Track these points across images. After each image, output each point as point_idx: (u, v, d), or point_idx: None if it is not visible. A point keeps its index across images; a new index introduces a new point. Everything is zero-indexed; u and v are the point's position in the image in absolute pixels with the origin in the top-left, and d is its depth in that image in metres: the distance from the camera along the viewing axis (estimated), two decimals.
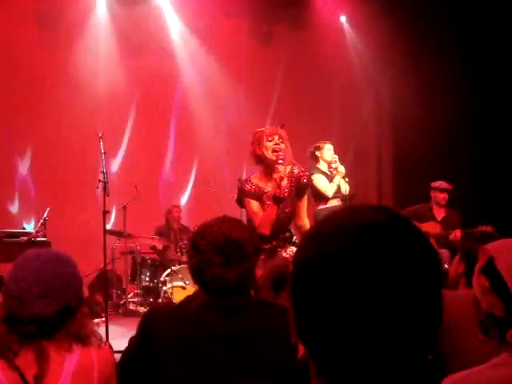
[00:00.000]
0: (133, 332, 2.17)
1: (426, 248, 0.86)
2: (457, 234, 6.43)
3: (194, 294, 2.13)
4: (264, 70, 9.67)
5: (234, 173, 7.91)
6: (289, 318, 0.89)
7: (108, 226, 7.26)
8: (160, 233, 8.19)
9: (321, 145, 6.29)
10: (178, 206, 8.66)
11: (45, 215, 7.02)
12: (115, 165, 9.14)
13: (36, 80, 8.68)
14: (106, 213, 5.38)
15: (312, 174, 5.94)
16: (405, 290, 0.81)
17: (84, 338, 1.88)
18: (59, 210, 7.71)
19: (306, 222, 4.15)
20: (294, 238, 4.13)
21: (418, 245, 0.85)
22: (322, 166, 6.22)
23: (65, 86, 8.73)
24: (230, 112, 9.71)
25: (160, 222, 8.50)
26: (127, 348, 2.14)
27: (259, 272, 2.56)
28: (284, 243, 4.03)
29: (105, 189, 5.37)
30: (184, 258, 7.28)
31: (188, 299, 2.11)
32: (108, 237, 5.99)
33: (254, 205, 4.01)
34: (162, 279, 7.44)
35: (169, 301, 6.71)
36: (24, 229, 7.88)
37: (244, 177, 4.53)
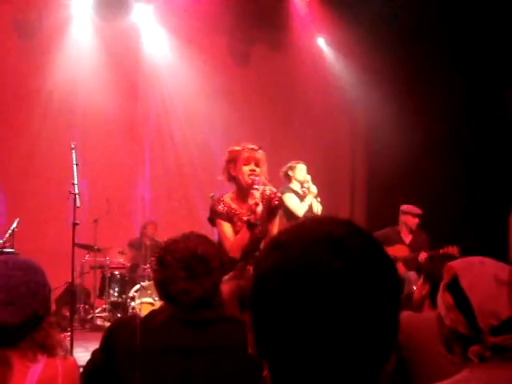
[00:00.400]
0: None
1: (384, 263, 0.87)
2: (422, 257, 6.47)
3: (160, 308, 2.11)
4: (241, 89, 9.71)
5: (207, 188, 7.89)
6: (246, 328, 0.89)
7: (78, 240, 7.17)
8: (132, 246, 8.12)
9: (294, 164, 6.34)
10: (154, 223, 8.58)
11: (13, 226, 6.92)
12: (87, 177, 9.06)
13: (10, 88, 8.59)
14: (75, 224, 5.31)
15: (284, 193, 5.97)
16: (361, 303, 0.81)
17: (50, 348, 1.83)
18: (28, 222, 7.61)
19: None
20: None
21: (376, 259, 0.86)
22: (295, 185, 6.26)
23: (39, 95, 8.67)
24: (205, 129, 9.72)
25: (132, 236, 8.43)
26: (90, 360, 2.11)
27: (226, 288, 2.55)
28: (253, 260, 4.01)
29: (75, 201, 5.32)
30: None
31: (153, 313, 2.10)
32: (78, 250, 5.92)
33: (226, 227, 3.97)
34: (130, 295, 7.37)
35: (134, 314, 6.63)
36: None
37: (217, 194, 4.50)
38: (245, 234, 3.90)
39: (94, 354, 2.11)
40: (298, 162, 6.35)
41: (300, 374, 0.83)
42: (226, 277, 2.48)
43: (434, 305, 2.55)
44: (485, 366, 1.37)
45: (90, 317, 7.67)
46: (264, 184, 4.07)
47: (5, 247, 6.62)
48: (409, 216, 7.05)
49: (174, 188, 9.52)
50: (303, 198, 6.11)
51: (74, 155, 5.58)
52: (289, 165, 6.36)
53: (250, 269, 3.94)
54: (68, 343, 5.11)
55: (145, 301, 7.09)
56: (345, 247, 0.83)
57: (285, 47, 9.87)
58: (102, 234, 7.73)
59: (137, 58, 9.31)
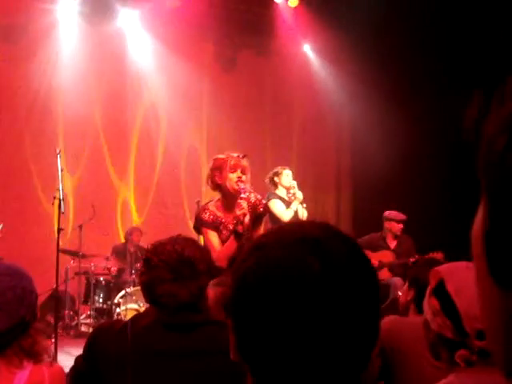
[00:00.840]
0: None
1: (362, 263, 0.87)
2: (412, 262, 6.50)
3: (144, 311, 2.10)
4: (227, 94, 9.72)
5: (194, 194, 7.89)
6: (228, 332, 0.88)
7: (63, 246, 7.13)
8: (116, 252, 8.08)
9: (280, 170, 6.33)
10: (139, 230, 8.54)
11: None
12: (72, 183, 9.01)
13: None
14: (60, 230, 5.29)
15: (269, 199, 5.97)
16: (341, 303, 0.82)
17: (36, 354, 1.81)
18: (12, 227, 7.54)
19: None
20: None
21: (354, 260, 0.86)
22: (281, 191, 6.25)
23: (24, 99, 8.61)
24: (192, 134, 9.72)
25: (117, 242, 8.38)
26: (74, 366, 2.09)
27: (211, 294, 2.54)
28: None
29: (60, 206, 5.29)
30: (139, 280, 7.18)
31: (137, 317, 2.08)
32: (62, 256, 5.88)
33: (212, 236, 3.96)
34: (115, 301, 7.33)
35: (117, 319, 6.60)
36: None
37: (202, 200, 4.49)
38: (232, 244, 3.89)
39: (77, 360, 2.09)
40: (284, 168, 6.34)
41: (282, 376, 0.83)
42: (212, 282, 2.47)
43: (419, 310, 2.56)
44: (471, 370, 1.38)
45: (74, 323, 7.61)
46: (249, 191, 4.07)
47: None
48: (393, 222, 7.08)
49: (160, 194, 9.50)
50: (289, 204, 6.10)
51: (58, 160, 5.55)
52: (275, 170, 6.35)
53: None
54: (52, 350, 5.07)
55: (130, 307, 7.06)
56: (323, 248, 0.84)
57: (271, 53, 9.91)
58: (86, 240, 7.68)
59: (122, 63, 9.28)
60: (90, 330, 7.33)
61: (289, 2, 9.56)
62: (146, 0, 9.13)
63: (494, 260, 0.50)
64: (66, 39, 9.00)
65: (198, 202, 5.30)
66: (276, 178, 6.28)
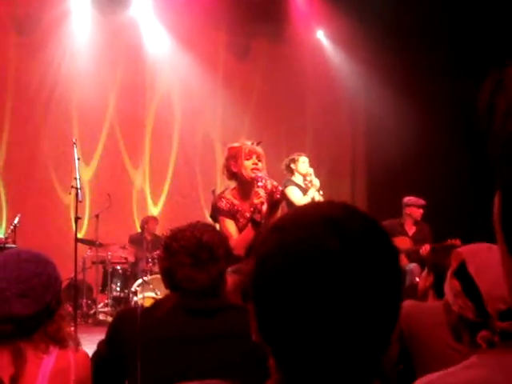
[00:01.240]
0: None
1: (383, 242, 0.87)
2: (426, 249, 6.47)
3: (164, 298, 2.12)
4: (241, 82, 9.71)
5: (209, 183, 7.91)
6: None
7: (79, 235, 7.18)
8: (133, 241, 8.12)
9: (296, 157, 6.29)
10: (155, 218, 8.59)
11: (15, 221, 6.92)
12: (88, 173, 9.06)
13: (10, 84, 8.59)
14: (77, 219, 5.32)
15: (286, 186, 5.94)
16: (361, 283, 0.81)
17: (61, 340, 1.85)
18: (30, 217, 7.62)
19: None
20: None
21: (374, 238, 0.86)
22: (297, 178, 6.22)
23: (40, 91, 8.66)
24: (207, 123, 9.72)
25: (133, 231, 8.43)
26: (96, 351, 2.12)
27: (229, 280, 2.55)
28: None
29: (77, 195, 5.32)
30: (156, 269, 7.23)
31: (158, 303, 2.11)
32: (79, 246, 5.92)
33: (229, 224, 3.94)
34: (132, 289, 7.37)
35: (139, 305, 6.65)
36: None
37: (218, 188, 4.48)
38: (249, 232, 3.87)
39: (99, 345, 2.12)
40: (300, 155, 6.30)
41: (303, 357, 0.83)
42: (230, 269, 2.48)
43: (438, 295, 2.56)
44: (493, 351, 1.37)
45: (92, 312, 7.67)
46: (265, 179, 4.05)
47: (7, 243, 6.63)
48: (413, 207, 7.05)
49: (175, 183, 9.53)
50: (306, 191, 6.07)
51: (75, 150, 5.59)
52: (291, 157, 6.31)
53: None
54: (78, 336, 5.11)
55: (147, 295, 7.09)
56: (342, 227, 0.83)
57: (284, 40, 9.87)
58: (103, 229, 7.73)
59: (136, 52, 9.29)
60: (108, 318, 7.40)
61: None
62: None
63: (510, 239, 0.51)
64: (79, 29, 9.03)
65: (213, 191, 5.30)
66: (292, 165, 6.24)
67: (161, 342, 1.96)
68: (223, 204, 3.95)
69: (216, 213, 4.02)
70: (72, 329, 5.38)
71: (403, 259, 6.80)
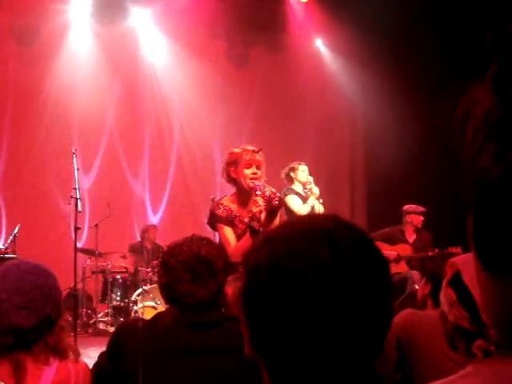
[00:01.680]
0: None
1: (373, 253, 0.88)
2: (429, 255, 6.48)
3: (165, 310, 2.12)
4: (240, 91, 9.72)
5: (208, 191, 7.90)
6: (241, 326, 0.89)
7: (79, 245, 7.18)
8: (133, 250, 8.12)
9: (295, 166, 6.30)
10: (155, 227, 8.60)
11: (15, 231, 6.92)
12: (88, 182, 9.07)
13: (10, 95, 8.61)
14: (77, 229, 5.33)
15: (286, 194, 5.95)
16: (352, 293, 0.82)
17: (62, 351, 1.85)
18: (30, 227, 7.61)
19: None
20: None
21: (364, 249, 0.87)
22: (297, 186, 6.22)
23: (39, 101, 8.68)
24: (205, 132, 9.73)
25: (133, 241, 8.42)
26: (97, 363, 2.11)
27: (230, 290, 2.55)
28: None
29: (77, 205, 5.33)
30: (156, 278, 7.21)
31: (159, 315, 2.10)
32: (79, 255, 5.92)
33: (227, 232, 3.94)
34: (133, 299, 7.36)
35: (140, 317, 6.63)
36: None
37: (217, 196, 4.48)
38: (247, 240, 3.87)
39: (100, 356, 2.12)
40: (300, 163, 6.30)
41: (295, 367, 0.83)
42: (230, 278, 2.48)
43: (436, 304, 2.56)
44: (489, 361, 1.37)
45: (92, 321, 7.66)
46: (263, 186, 4.05)
47: (7, 253, 6.62)
48: (413, 214, 7.06)
49: (174, 191, 9.53)
50: (306, 199, 6.07)
51: (74, 160, 5.60)
52: (290, 166, 6.31)
53: None
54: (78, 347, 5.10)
55: (147, 304, 7.09)
56: (332, 238, 0.84)
57: (283, 49, 9.89)
58: (103, 239, 7.72)
59: (135, 62, 9.32)
60: (108, 327, 7.39)
61: None
62: None
63: (480, 247, 0.53)
64: (78, 40, 9.06)
65: (213, 199, 5.31)
66: (292, 174, 6.25)
67: (162, 354, 1.96)
68: (221, 211, 3.96)
69: (214, 220, 4.02)
70: (72, 339, 5.39)
71: (403, 266, 6.80)
